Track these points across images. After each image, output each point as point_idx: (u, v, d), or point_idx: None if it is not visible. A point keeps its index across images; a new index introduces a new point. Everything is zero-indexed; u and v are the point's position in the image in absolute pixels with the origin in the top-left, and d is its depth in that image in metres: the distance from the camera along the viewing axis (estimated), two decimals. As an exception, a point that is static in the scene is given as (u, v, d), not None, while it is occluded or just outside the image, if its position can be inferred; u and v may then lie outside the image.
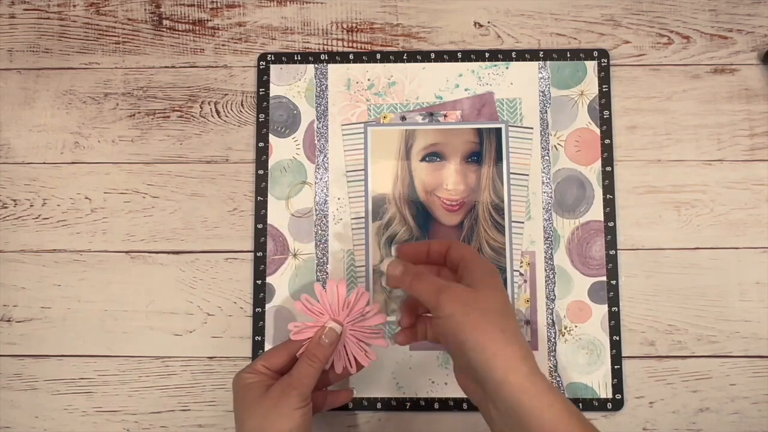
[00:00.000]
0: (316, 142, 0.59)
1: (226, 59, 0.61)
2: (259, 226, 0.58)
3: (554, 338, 0.57)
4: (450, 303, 0.42)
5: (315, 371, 0.46)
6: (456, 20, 0.61)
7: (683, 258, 0.57)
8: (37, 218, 0.59)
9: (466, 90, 0.59)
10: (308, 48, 0.61)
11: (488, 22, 0.61)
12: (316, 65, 0.60)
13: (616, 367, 0.56)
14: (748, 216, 0.58)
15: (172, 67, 0.61)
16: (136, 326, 0.58)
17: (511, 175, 0.58)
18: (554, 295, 0.57)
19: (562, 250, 0.57)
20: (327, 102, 0.60)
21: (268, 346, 0.57)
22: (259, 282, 0.58)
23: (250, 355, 0.57)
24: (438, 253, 0.49)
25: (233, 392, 0.47)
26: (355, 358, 0.50)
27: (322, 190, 0.59)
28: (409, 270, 0.46)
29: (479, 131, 0.59)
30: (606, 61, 0.59)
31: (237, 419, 0.46)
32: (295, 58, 0.60)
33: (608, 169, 0.58)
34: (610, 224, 0.57)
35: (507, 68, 0.60)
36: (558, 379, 0.56)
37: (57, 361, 0.58)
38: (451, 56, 0.60)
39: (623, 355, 0.56)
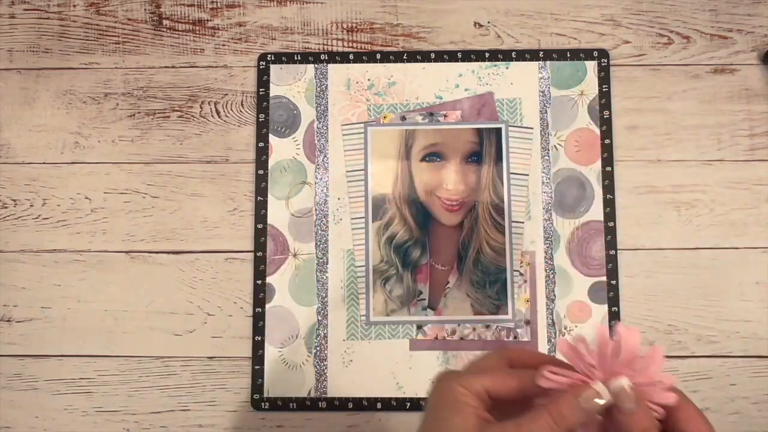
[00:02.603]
0: (316, 142, 0.59)
1: (226, 59, 0.61)
2: (259, 226, 0.58)
3: (554, 338, 0.56)
4: None
5: None
6: (456, 20, 0.61)
7: (683, 258, 0.57)
8: (37, 218, 0.59)
9: (466, 90, 0.59)
10: (308, 48, 0.61)
11: (488, 22, 0.61)
12: (316, 65, 0.60)
13: (616, 367, 0.56)
14: (748, 216, 0.58)
15: (172, 67, 0.61)
16: (136, 326, 0.58)
17: (511, 175, 0.58)
18: (554, 295, 0.57)
19: (562, 250, 0.57)
20: (327, 102, 0.60)
21: (268, 347, 0.57)
22: (259, 282, 0.58)
23: (250, 355, 0.57)
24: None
25: (435, 399, 0.34)
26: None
27: (322, 190, 0.59)
28: None
29: (479, 131, 0.59)
30: (606, 61, 0.59)
31: None
32: (295, 58, 0.60)
33: (608, 169, 0.58)
34: (610, 224, 0.57)
35: (507, 68, 0.60)
36: (558, 379, 0.56)
37: (57, 361, 0.58)
38: (451, 56, 0.60)
39: (623, 355, 0.56)
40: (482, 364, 0.36)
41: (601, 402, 0.32)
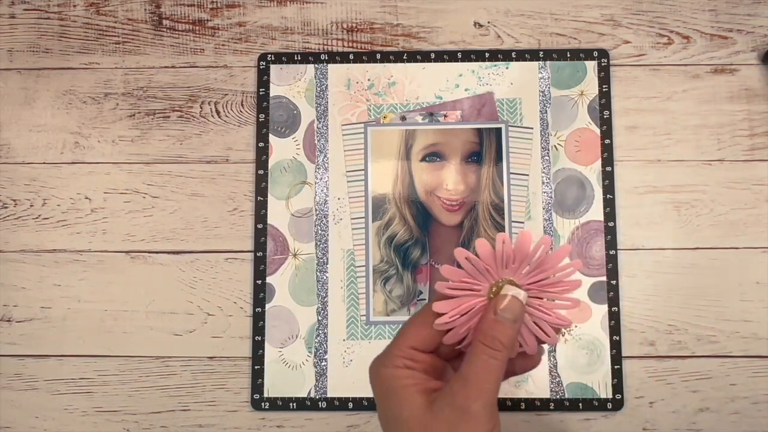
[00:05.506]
0: (316, 142, 0.59)
1: (226, 59, 0.61)
2: (259, 226, 0.58)
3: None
4: None
5: (500, 365, 0.30)
6: (456, 20, 0.61)
7: (683, 258, 0.57)
8: (37, 218, 0.59)
9: (466, 90, 0.59)
10: (308, 48, 0.61)
11: (488, 22, 0.61)
12: (316, 65, 0.60)
13: (616, 367, 0.56)
14: (748, 216, 0.58)
15: (172, 67, 0.61)
16: (136, 326, 0.58)
17: (511, 175, 0.58)
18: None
19: (562, 250, 0.57)
20: (327, 102, 0.60)
21: (268, 347, 0.57)
22: (259, 282, 0.58)
23: (250, 355, 0.57)
24: None
25: (377, 392, 0.33)
26: (536, 336, 0.33)
27: (322, 190, 0.59)
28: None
29: (479, 131, 0.59)
30: (606, 61, 0.59)
31: None
32: (295, 58, 0.60)
33: (608, 169, 0.58)
34: (610, 224, 0.57)
35: (507, 68, 0.60)
36: (558, 378, 0.56)
37: (57, 361, 0.58)
38: (451, 56, 0.60)
39: (623, 355, 0.56)
40: (407, 324, 0.33)
41: (522, 300, 0.31)
